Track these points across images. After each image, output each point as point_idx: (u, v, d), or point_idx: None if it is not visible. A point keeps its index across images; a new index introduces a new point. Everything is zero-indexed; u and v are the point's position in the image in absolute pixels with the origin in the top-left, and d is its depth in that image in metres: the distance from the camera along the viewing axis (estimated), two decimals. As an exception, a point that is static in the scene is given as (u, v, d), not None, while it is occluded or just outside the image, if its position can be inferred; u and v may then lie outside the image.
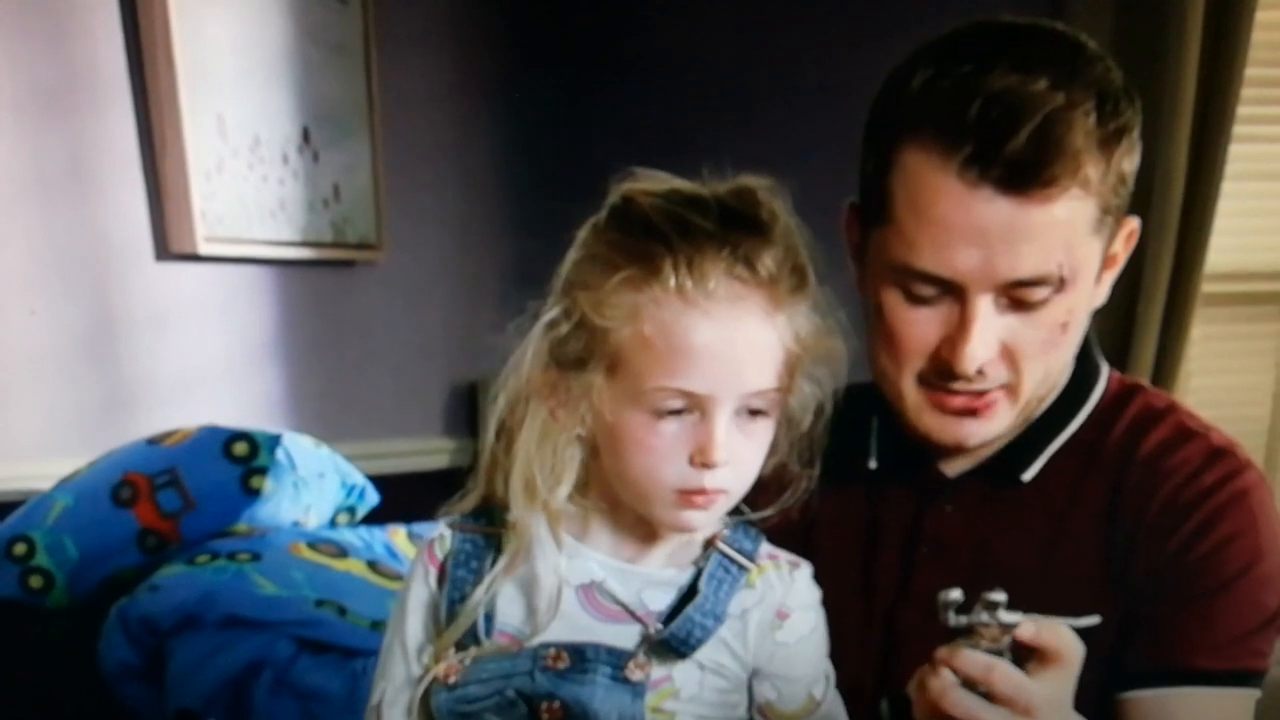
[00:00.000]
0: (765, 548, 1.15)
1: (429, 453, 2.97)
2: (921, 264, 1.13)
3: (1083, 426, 1.26)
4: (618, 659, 1.08)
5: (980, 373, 1.16)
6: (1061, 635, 1.00)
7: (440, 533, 1.15)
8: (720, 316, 1.03)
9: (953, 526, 1.24)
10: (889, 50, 1.18)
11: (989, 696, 0.98)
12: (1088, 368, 1.27)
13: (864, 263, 1.22)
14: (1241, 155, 2.83)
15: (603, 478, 1.11)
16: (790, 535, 1.20)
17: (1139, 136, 1.14)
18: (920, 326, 1.17)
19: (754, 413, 1.07)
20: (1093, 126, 1.09)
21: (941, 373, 1.17)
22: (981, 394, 1.18)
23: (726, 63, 3.13)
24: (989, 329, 1.14)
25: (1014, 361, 1.16)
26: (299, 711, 1.84)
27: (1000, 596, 0.98)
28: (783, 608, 1.12)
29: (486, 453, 1.13)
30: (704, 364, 1.03)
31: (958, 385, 1.17)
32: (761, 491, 1.14)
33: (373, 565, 2.09)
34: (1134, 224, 1.20)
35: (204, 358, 2.44)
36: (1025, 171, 1.08)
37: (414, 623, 1.14)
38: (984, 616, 0.98)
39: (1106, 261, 1.19)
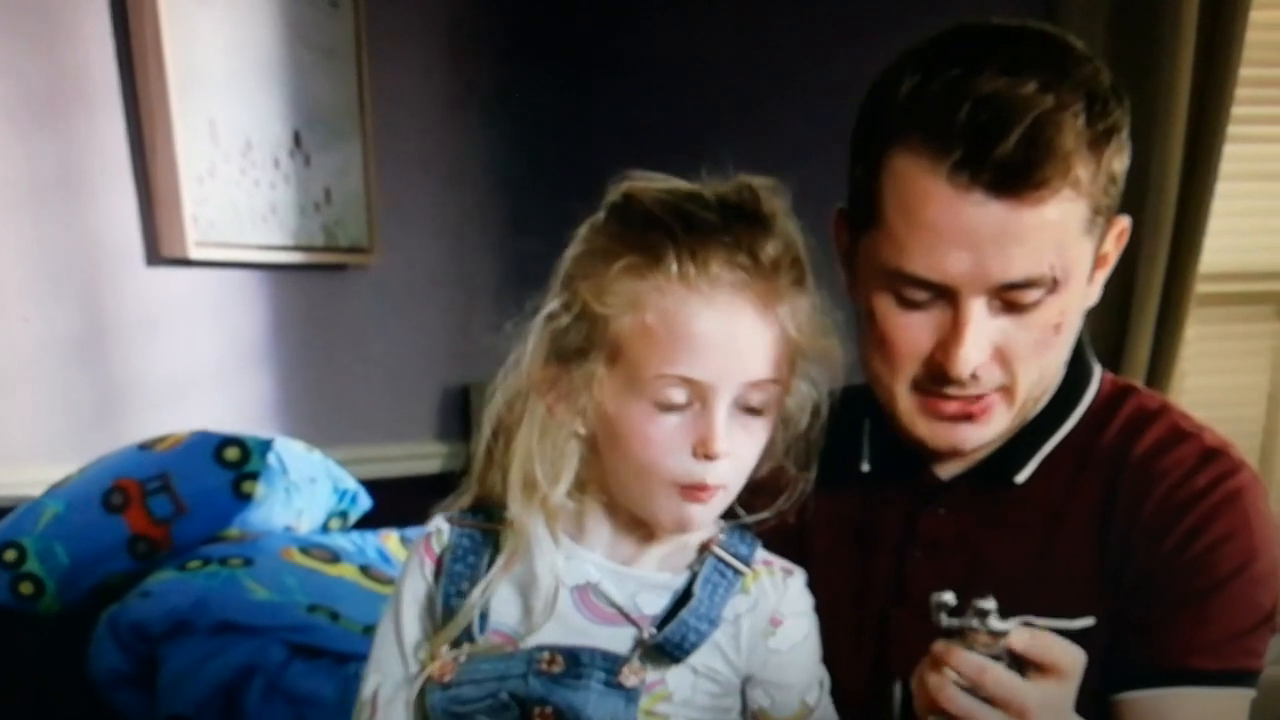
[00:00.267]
0: (760, 553, 1.15)
1: (421, 457, 2.96)
2: (913, 268, 1.13)
3: (1075, 428, 1.25)
4: (612, 664, 1.08)
5: (974, 376, 1.15)
6: (1056, 647, 1.00)
7: (437, 527, 1.15)
8: (722, 304, 1.04)
9: (946, 529, 1.24)
10: (889, 50, 1.17)
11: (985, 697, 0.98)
12: (1081, 369, 1.27)
13: (854, 268, 1.22)
14: (1236, 155, 2.83)
15: (600, 477, 1.11)
16: (784, 538, 1.19)
17: (1128, 136, 1.14)
18: (912, 331, 1.16)
19: (752, 410, 1.07)
20: (1082, 128, 1.09)
21: (935, 377, 1.16)
22: (977, 398, 1.18)
23: (726, 63, 3.13)
24: (982, 332, 1.13)
25: (1008, 364, 1.16)
26: (291, 717, 1.84)
27: (989, 604, 0.98)
28: (776, 614, 1.12)
29: (481, 451, 1.13)
30: (705, 351, 1.04)
31: (952, 390, 1.17)
32: (758, 494, 1.14)
33: (365, 570, 2.09)
34: (1124, 223, 1.20)
35: (195, 362, 2.44)
36: (1016, 174, 1.08)
37: (409, 617, 1.14)
38: (974, 623, 0.98)
39: (1098, 261, 1.18)
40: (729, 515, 1.15)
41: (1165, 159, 2.75)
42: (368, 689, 1.15)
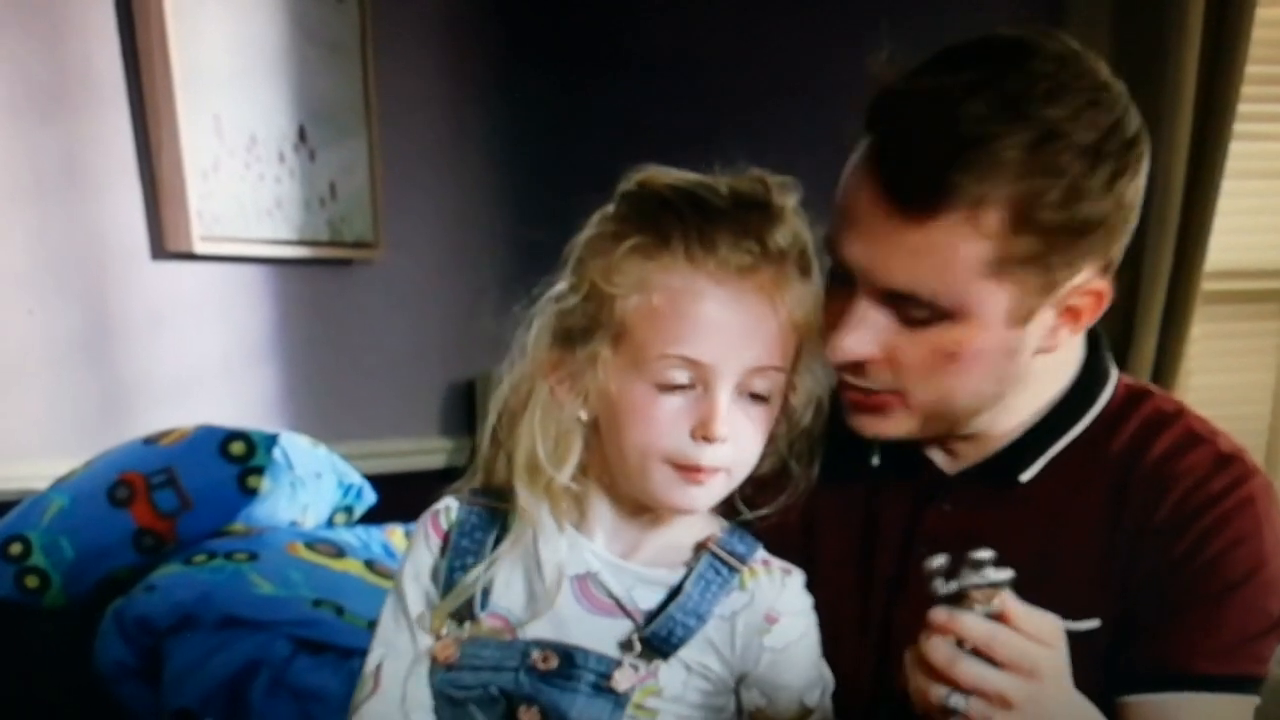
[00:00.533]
0: (760, 553, 1.15)
1: (426, 452, 2.96)
2: (834, 245, 1.14)
3: (1088, 430, 1.24)
4: (606, 667, 1.08)
5: (861, 370, 1.16)
6: (1037, 613, 0.99)
7: (446, 505, 1.16)
8: (728, 286, 1.05)
9: (950, 526, 1.24)
10: (888, 50, 1.17)
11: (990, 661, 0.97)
12: (1096, 372, 1.26)
13: None
14: (1242, 153, 2.82)
15: (602, 461, 1.12)
16: (790, 534, 1.19)
17: (1088, 189, 1.07)
18: (830, 317, 1.16)
19: (755, 397, 1.08)
20: (1006, 173, 1.04)
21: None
22: (869, 392, 1.18)
23: (726, 61, 3.12)
24: (866, 326, 1.13)
25: (898, 371, 1.15)
26: (296, 711, 1.84)
27: (986, 554, 0.96)
28: (772, 612, 1.12)
29: (487, 437, 1.14)
30: (710, 333, 1.05)
31: (848, 379, 1.18)
32: (760, 490, 1.14)
33: (370, 565, 2.09)
34: (1100, 287, 1.15)
35: (200, 357, 2.44)
36: (902, 184, 1.07)
37: (414, 591, 1.15)
38: (973, 578, 0.96)
39: (1065, 313, 1.15)
40: (731, 513, 1.16)
41: (1171, 157, 2.74)
42: (371, 662, 1.16)
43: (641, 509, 1.13)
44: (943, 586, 0.97)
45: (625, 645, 1.10)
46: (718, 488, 1.10)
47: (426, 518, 1.17)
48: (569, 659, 1.09)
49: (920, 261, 1.09)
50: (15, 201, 2.10)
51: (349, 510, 2.29)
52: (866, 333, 1.14)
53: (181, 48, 2.27)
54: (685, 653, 1.10)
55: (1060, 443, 1.24)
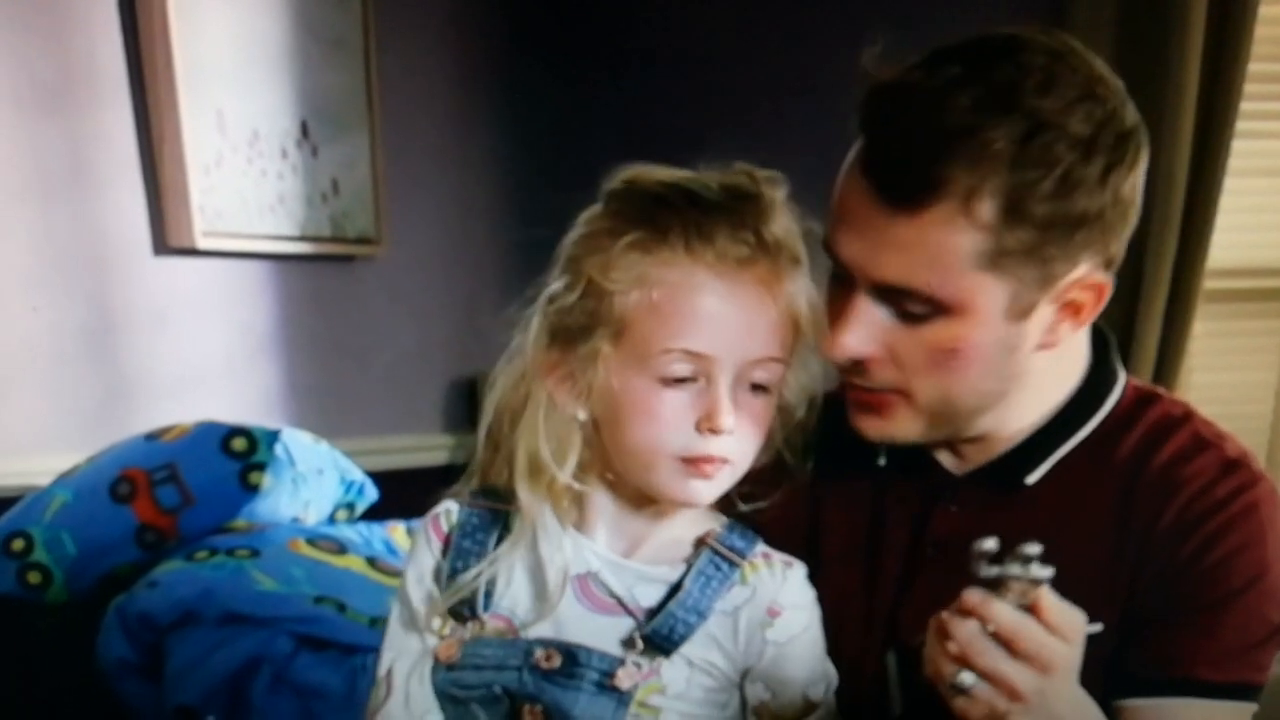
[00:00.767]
0: (760, 547, 1.15)
1: (428, 449, 2.96)
2: (832, 242, 1.15)
3: (1094, 433, 1.24)
4: (609, 666, 1.08)
5: (863, 369, 1.16)
6: (1069, 609, 1.00)
7: (446, 508, 1.16)
8: (728, 278, 1.06)
9: (957, 527, 1.24)
10: (888, 50, 1.18)
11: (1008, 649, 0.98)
12: (1104, 374, 1.26)
13: None
14: (1244, 151, 2.82)
15: (602, 460, 1.12)
16: (794, 533, 1.19)
17: (1082, 180, 1.07)
18: (831, 316, 1.16)
19: (755, 388, 1.09)
20: (998, 164, 1.05)
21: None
22: (872, 391, 1.18)
23: (726, 61, 3.12)
24: (866, 323, 1.14)
25: (901, 369, 1.15)
26: (298, 708, 1.84)
27: (1035, 548, 0.97)
28: (774, 605, 1.12)
29: (484, 438, 1.14)
30: (712, 325, 1.05)
31: (852, 378, 1.18)
32: (755, 485, 1.14)
33: (372, 562, 2.09)
34: (1100, 279, 1.14)
35: (203, 353, 2.44)
36: (890, 178, 1.08)
37: (418, 592, 1.15)
38: (1015, 569, 0.97)
39: (1064, 308, 1.15)
40: (728, 508, 1.16)
41: (1173, 155, 2.74)
42: (382, 666, 1.16)
43: (643, 504, 1.13)
44: (985, 570, 0.98)
45: (627, 643, 1.10)
46: (723, 479, 1.10)
47: (427, 521, 1.17)
48: (572, 657, 1.09)
49: (914, 255, 1.09)
50: (18, 198, 2.10)
51: (351, 507, 2.29)
52: (866, 330, 1.14)
53: (184, 43, 2.27)
54: (688, 649, 1.10)
55: (1067, 445, 1.24)
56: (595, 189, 1.13)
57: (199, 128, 2.32)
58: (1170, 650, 1.18)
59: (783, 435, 1.15)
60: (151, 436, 2.07)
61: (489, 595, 1.12)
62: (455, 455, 3.02)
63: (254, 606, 1.87)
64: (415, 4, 2.94)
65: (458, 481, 1.19)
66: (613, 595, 1.12)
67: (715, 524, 1.16)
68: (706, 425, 1.06)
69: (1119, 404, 1.26)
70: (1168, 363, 2.89)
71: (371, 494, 2.31)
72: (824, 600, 1.17)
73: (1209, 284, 2.88)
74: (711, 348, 1.05)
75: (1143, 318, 2.83)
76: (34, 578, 1.94)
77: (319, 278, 2.73)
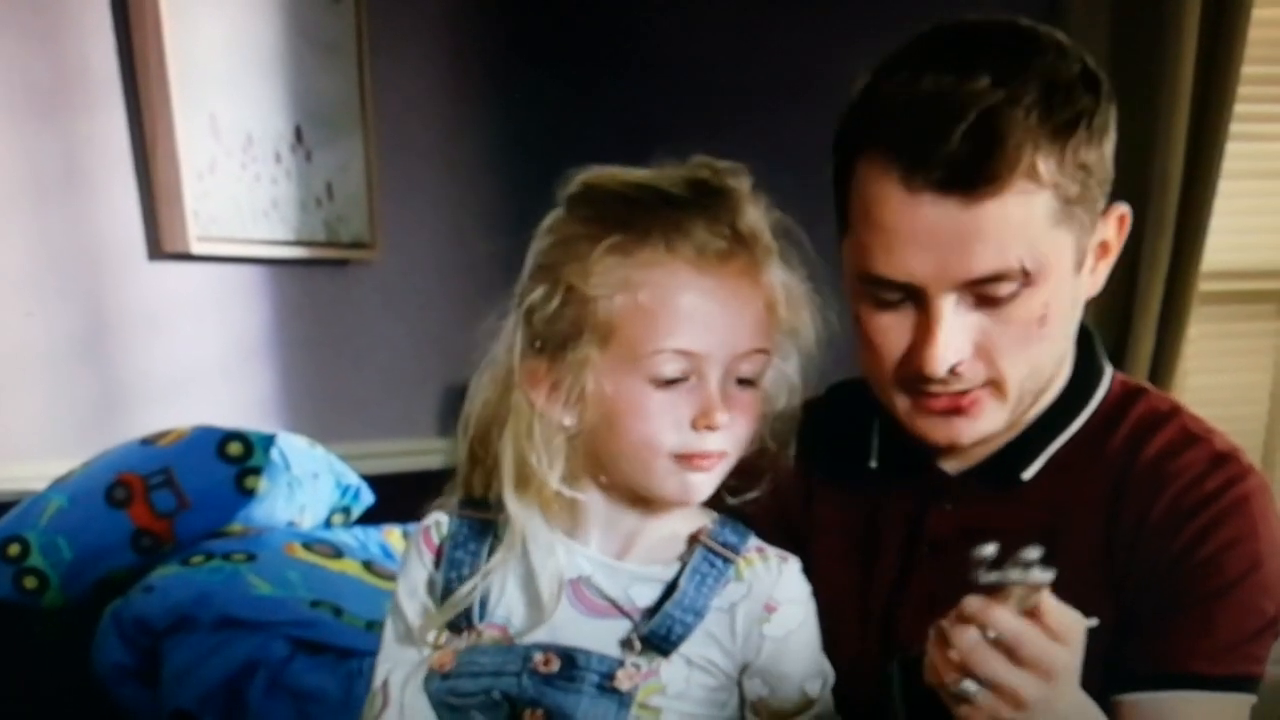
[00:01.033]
0: (753, 541, 1.15)
1: (424, 453, 2.95)
2: (878, 270, 1.13)
3: (1084, 427, 1.24)
4: (609, 667, 1.08)
5: (956, 374, 1.15)
6: (1070, 613, 1.00)
7: (436, 520, 1.16)
8: (710, 273, 1.06)
9: (952, 526, 1.24)
10: (888, 50, 1.18)
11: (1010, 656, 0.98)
12: (1091, 369, 1.27)
13: (845, 273, 1.22)
14: (1238, 153, 2.83)
15: (591, 464, 1.12)
16: (790, 536, 1.19)
17: (1109, 122, 1.12)
18: (892, 333, 1.16)
19: (743, 381, 1.09)
20: (1037, 120, 1.07)
21: (918, 376, 1.16)
22: (963, 393, 1.17)
23: (726, 61, 3.12)
24: (956, 329, 1.13)
25: (991, 360, 1.15)
26: (294, 712, 1.84)
27: (1035, 553, 0.96)
28: (770, 600, 1.12)
29: (464, 452, 1.14)
30: (700, 322, 1.05)
31: (935, 387, 1.17)
32: (742, 477, 1.14)
33: (368, 566, 2.09)
34: (1122, 210, 1.18)
35: (197, 358, 2.44)
36: (963, 172, 1.07)
37: (412, 605, 1.15)
38: (1015, 574, 0.96)
39: (1098, 250, 1.18)
40: (716, 504, 1.15)
41: (1168, 157, 2.75)
42: (378, 678, 1.16)
43: (635, 504, 1.13)
44: (985, 575, 0.97)
45: (626, 644, 1.10)
46: (719, 472, 1.11)
47: (418, 534, 1.16)
48: (571, 660, 1.09)
49: (1003, 236, 1.09)
50: (12, 203, 2.10)
51: (346, 511, 2.29)
52: (958, 336, 1.13)
53: (177, 47, 2.27)
54: (687, 648, 1.10)
55: (1059, 440, 1.24)
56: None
57: (192, 132, 2.32)
58: (1166, 645, 1.17)
59: (769, 425, 1.15)
60: (147, 441, 2.07)
61: (484, 605, 1.12)
62: (451, 459, 2.99)
63: (250, 611, 1.87)
64: (409, 7, 2.94)
65: (440, 499, 1.19)
66: (606, 598, 1.12)
67: (707, 520, 1.16)
68: (703, 422, 1.06)
69: (1107, 397, 1.26)
70: (1163, 365, 2.89)
71: (367, 498, 2.31)
72: (820, 601, 1.17)
73: (1204, 286, 2.88)
74: (702, 345, 1.05)
75: (1138, 320, 2.83)
76: (30, 582, 1.94)
77: (313, 282, 2.73)
